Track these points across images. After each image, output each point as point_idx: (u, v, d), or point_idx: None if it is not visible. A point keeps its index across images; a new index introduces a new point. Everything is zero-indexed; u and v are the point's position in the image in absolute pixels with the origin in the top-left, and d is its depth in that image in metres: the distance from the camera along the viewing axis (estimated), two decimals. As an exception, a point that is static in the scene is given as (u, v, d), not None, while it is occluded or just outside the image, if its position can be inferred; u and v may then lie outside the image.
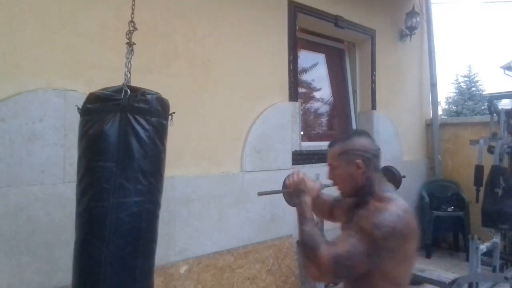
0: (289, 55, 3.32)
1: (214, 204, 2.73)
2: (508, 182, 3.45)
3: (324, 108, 4.34)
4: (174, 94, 2.60)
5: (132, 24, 1.55)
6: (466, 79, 15.09)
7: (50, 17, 2.04)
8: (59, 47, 2.07)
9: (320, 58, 4.23)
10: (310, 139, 3.93)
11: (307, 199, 1.31)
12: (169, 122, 1.48)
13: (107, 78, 2.25)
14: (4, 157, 1.86)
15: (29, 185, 1.92)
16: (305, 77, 4.10)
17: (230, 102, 2.87)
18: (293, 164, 3.28)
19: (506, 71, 13.05)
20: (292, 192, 1.38)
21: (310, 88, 4.21)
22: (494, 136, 3.79)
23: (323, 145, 3.84)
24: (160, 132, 1.39)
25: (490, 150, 3.71)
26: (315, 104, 4.25)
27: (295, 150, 3.31)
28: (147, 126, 1.33)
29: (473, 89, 14.71)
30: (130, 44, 1.54)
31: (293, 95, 3.34)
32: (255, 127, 3.01)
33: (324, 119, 4.37)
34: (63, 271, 2.02)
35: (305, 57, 4.01)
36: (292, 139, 3.30)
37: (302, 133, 3.53)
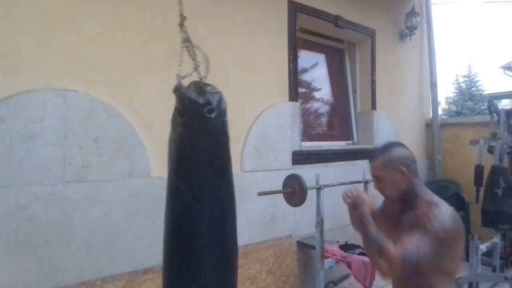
0: (289, 55, 3.32)
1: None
2: (508, 182, 3.45)
3: (324, 108, 4.34)
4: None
5: (182, 16, 1.42)
6: (466, 79, 15.06)
7: (50, 17, 2.04)
8: (59, 47, 2.07)
9: (320, 58, 4.23)
10: (310, 139, 3.93)
11: (365, 208, 1.41)
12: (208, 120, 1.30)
13: (107, 78, 2.26)
14: (4, 157, 1.86)
15: (29, 185, 1.92)
16: (305, 77, 4.10)
17: (230, 102, 2.83)
18: (293, 164, 3.28)
19: (506, 71, 13.03)
20: (351, 205, 1.48)
21: (310, 88, 4.21)
22: (494, 136, 3.80)
23: (323, 145, 3.84)
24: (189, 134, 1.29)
25: (490, 150, 3.71)
26: (315, 104, 4.25)
27: (295, 150, 3.31)
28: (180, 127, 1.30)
29: (473, 89, 14.69)
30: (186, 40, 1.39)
31: (293, 95, 3.34)
32: (255, 127, 3.01)
33: (324, 119, 4.37)
34: (63, 271, 2.03)
35: (305, 57, 4.01)
36: (292, 139, 3.30)
37: (302, 133, 3.53)
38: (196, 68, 1.38)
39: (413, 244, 1.22)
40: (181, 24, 1.40)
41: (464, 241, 1.34)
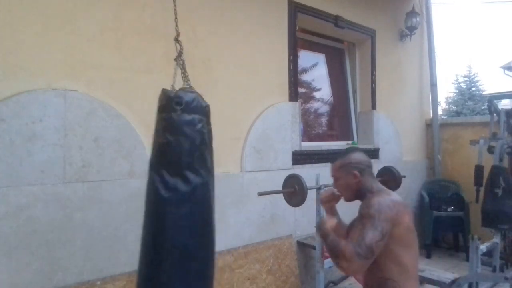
0: (289, 55, 3.32)
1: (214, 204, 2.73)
2: (508, 182, 3.45)
3: (324, 108, 4.34)
4: (174, 94, 2.62)
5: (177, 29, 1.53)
6: (466, 79, 15.07)
7: (50, 17, 2.04)
8: (59, 47, 2.07)
9: (320, 58, 4.23)
10: (310, 139, 3.93)
11: (324, 225, 1.54)
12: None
13: (107, 78, 2.26)
14: (4, 157, 1.86)
15: (29, 185, 1.92)
16: (305, 77, 4.10)
17: (230, 102, 2.87)
18: (293, 164, 3.28)
19: (506, 71, 13.03)
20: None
21: (310, 88, 4.21)
22: (494, 136, 3.79)
23: (323, 145, 3.84)
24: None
25: (490, 150, 3.71)
26: (315, 104, 4.25)
27: (295, 150, 3.31)
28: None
29: (473, 89, 14.70)
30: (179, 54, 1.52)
31: (293, 95, 3.34)
32: (255, 127, 3.01)
33: (324, 119, 4.37)
34: (63, 271, 2.03)
35: (305, 57, 4.01)
36: (292, 139, 3.29)
37: (302, 133, 3.53)
38: (186, 80, 1.53)
39: (357, 234, 1.34)
40: (176, 39, 1.52)
41: (412, 233, 1.44)
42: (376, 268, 1.40)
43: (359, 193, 1.56)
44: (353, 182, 1.55)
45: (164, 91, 1.44)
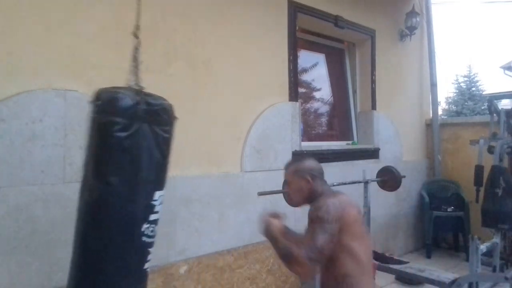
0: (289, 55, 3.32)
1: (214, 204, 2.73)
2: (508, 182, 3.45)
3: (324, 108, 4.34)
4: (174, 94, 2.60)
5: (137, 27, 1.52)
6: (466, 79, 15.08)
7: (50, 17, 2.04)
8: (59, 47, 2.07)
9: (320, 58, 4.23)
10: (310, 139, 3.93)
11: (273, 228, 1.55)
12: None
13: (107, 78, 2.25)
14: (4, 157, 1.86)
15: (29, 185, 1.92)
16: (305, 77, 4.10)
17: (230, 102, 2.87)
18: (293, 164, 3.27)
19: (506, 71, 13.02)
20: (261, 227, 1.61)
21: (310, 88, 4.21)
22: (494, 136, 3.79)
23: (323, 145, 3.84)
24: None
25: (490, 150, 3.71)
26: (315, 104, 4.25)
27: (295, 150, 3.31)
28: None
29: (473, 89, 14.71)
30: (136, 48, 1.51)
31: (293, 95, 3.34)
32: (255, 127, 3.01)
33: (324, 119, 4.37)
34: (63, 271, 2.02)
35: (305, 57, 4.01)
36: (292, 139, 3.29)
37: (302, 133, 3.53)
38: (135, 75, 1.50)
39: (308, 238, 1.39)
40: (135, 34, 1.54)
41: (359, 226, 1.50)
42: (332, 266, 1.44)
43: (310, 197, 1.62)
44: (305, 187, 1.62)
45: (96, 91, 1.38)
